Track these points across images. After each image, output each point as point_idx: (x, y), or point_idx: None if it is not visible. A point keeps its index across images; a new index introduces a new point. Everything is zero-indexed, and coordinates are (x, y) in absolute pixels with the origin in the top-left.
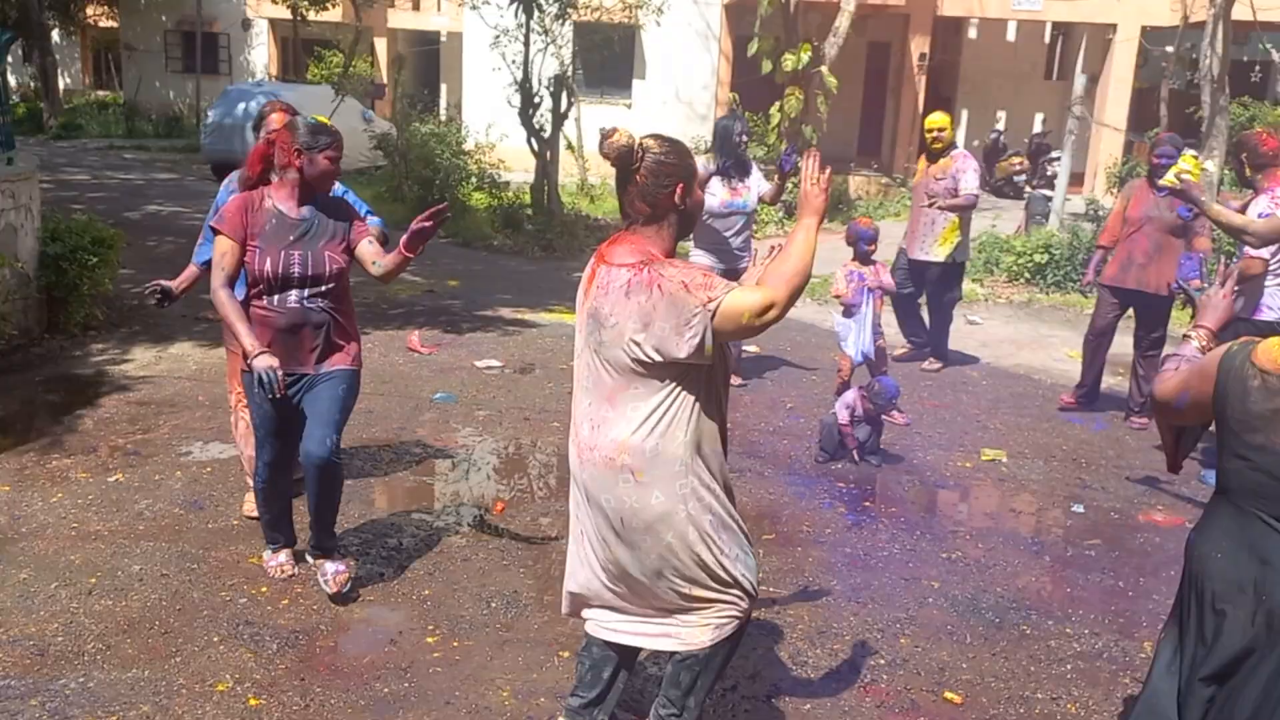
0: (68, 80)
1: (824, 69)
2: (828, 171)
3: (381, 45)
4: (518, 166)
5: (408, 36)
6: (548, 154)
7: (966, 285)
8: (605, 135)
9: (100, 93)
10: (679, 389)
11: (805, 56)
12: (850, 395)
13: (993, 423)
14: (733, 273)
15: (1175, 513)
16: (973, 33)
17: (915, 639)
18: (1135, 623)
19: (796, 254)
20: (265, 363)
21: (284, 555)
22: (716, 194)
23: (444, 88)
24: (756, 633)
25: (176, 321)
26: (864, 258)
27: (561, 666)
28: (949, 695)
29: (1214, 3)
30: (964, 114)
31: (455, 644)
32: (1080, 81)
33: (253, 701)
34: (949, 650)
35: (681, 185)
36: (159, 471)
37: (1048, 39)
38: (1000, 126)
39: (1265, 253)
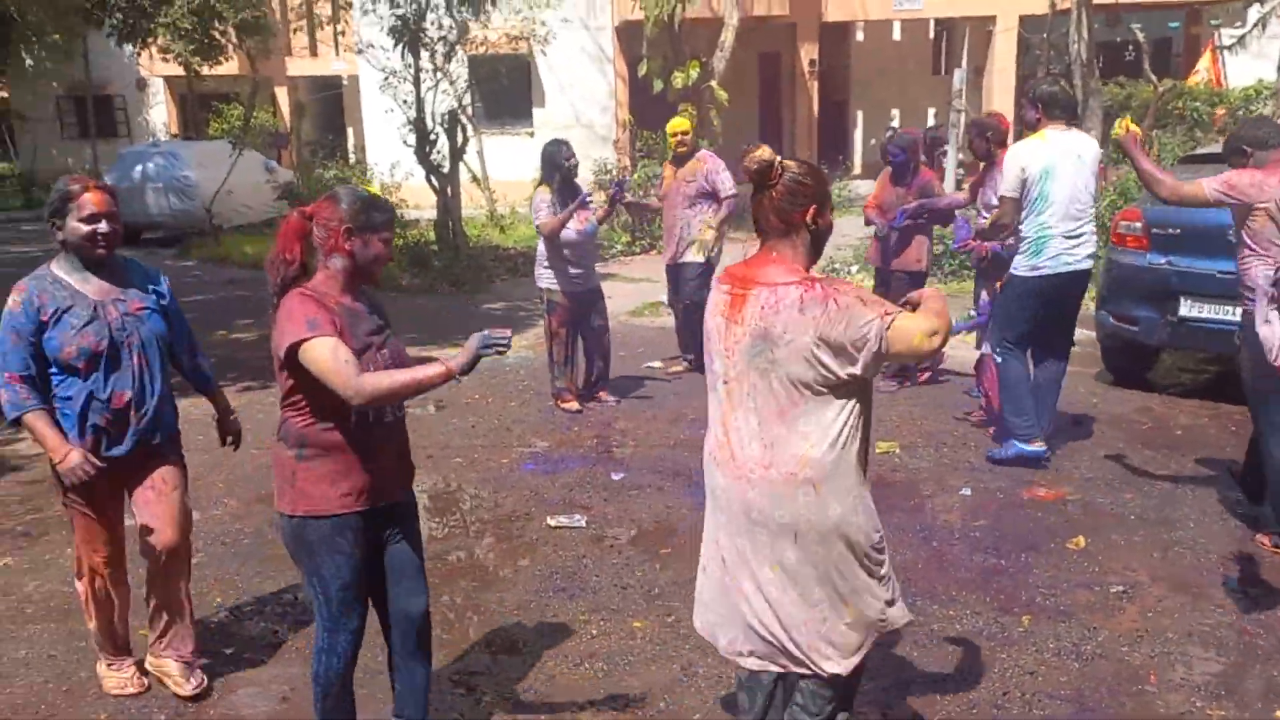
0: None
1: (714, 84)
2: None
3: (283, 94)
4: (425, 204)
5: (309, 83)
6: (448, 190)
7: (859, 276)
8: (746, 151)
9: None
10: (853, 403)
11: (694, 73)
12: None
13: (889, 415)
14: (585, 294)
15: (1057, 487)
16: (859, 35)
17: None
18: (1014, 599)
19: (943, 300)
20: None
21: None
22: (570, 224)
23: (350, 131)
24: (647, 645)
25: None
26: None
27: (455, 701)
28: None
29: None
30: (859, 114)
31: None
32: (959, 75)
33: None
34: None
35: (815, 207)
36: (50, 551)
37: (932, 35)
38: (895, 124)
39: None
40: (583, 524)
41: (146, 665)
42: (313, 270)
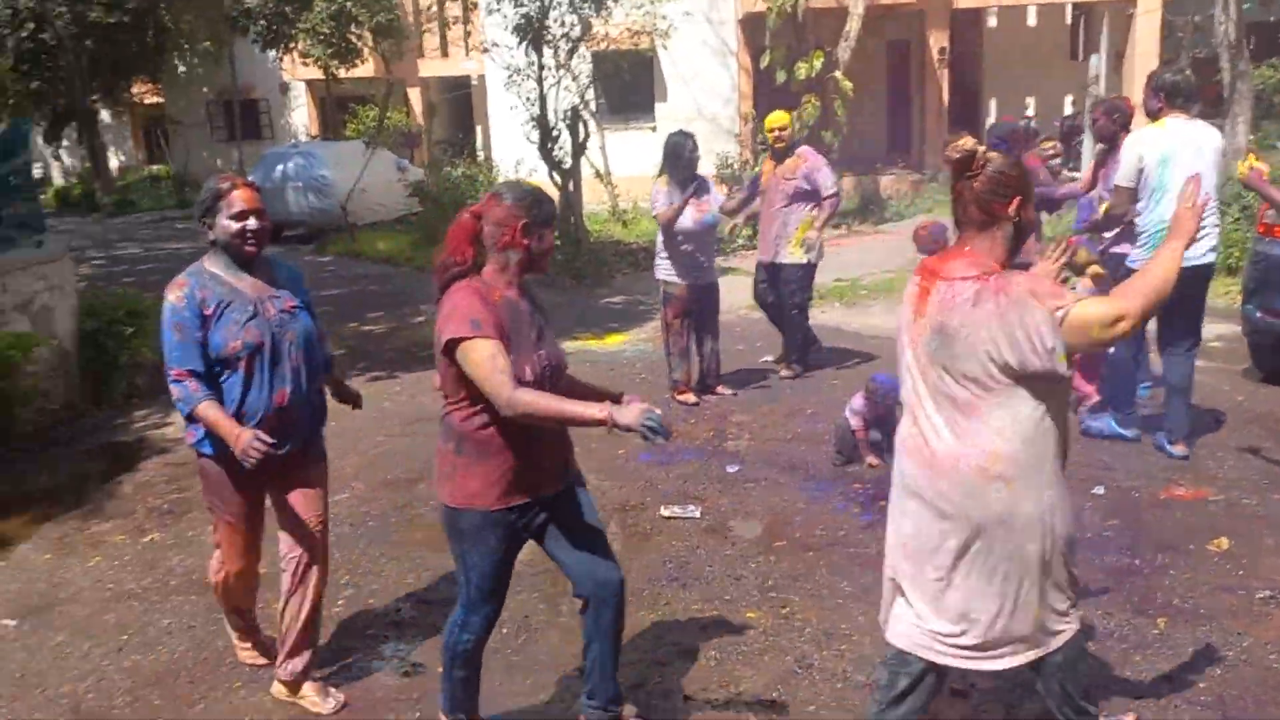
0: (121, 157)
1: (838, 74)
2: (1204, 198)
3: (415, 94)
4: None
5: (440, 83)
6: (570, 185)
7: None
8: (950, 141)
9: (152, 167)
10: (1039, 400)
11: (818, 64)
12: (858, 400)
13: None
14: (703, 287)
15: (1198, 486)
16: (992, 21)
17: None
18: (1150, 600)
19: (1160, 273)
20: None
21: None
22: (687, 214)
23: (478, 130)
24: (761, 638)
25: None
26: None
27: (568, 686)
28: (954, 687)
29: None
30: (992, 103)
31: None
32: (1096, 61)
33: None
34: None
35: (1019, 199)
36: (192, 528)
37: (1069, 20)
38: (1030, 112)
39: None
40: (697, 515)
41: (274, 691)
42: (481, 265)
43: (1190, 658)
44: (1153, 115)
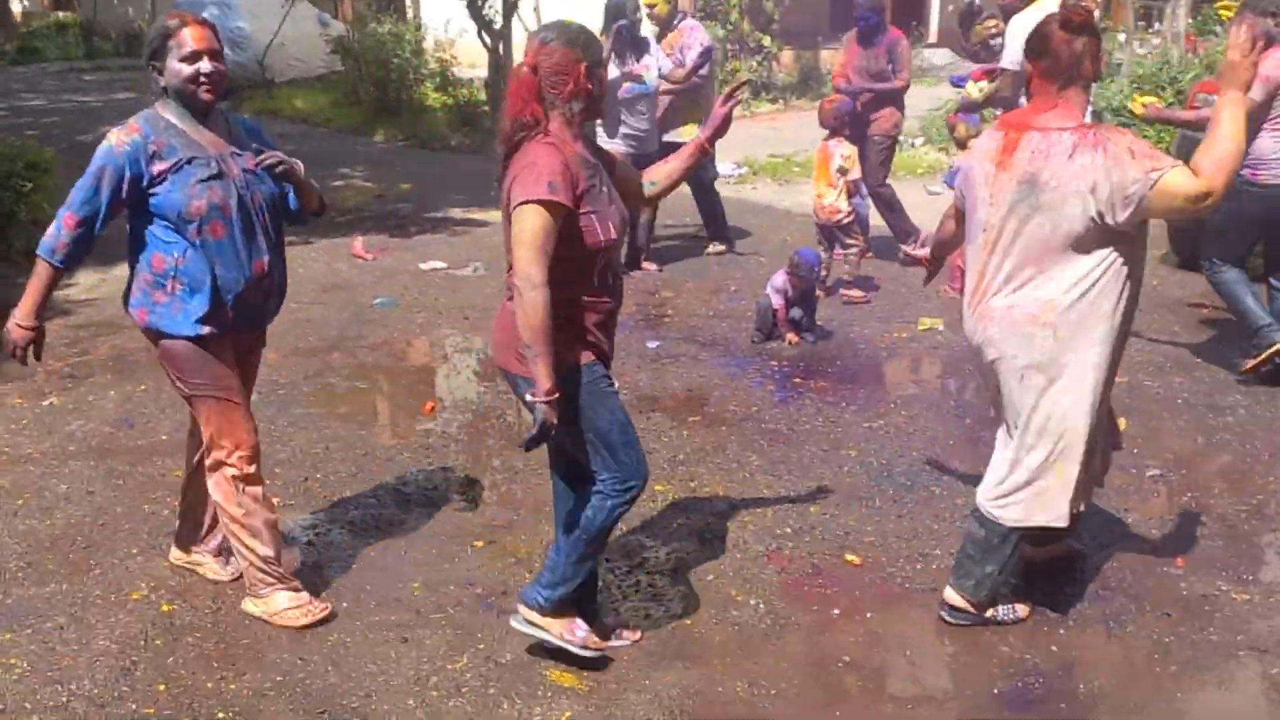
0: (25, 3)
1: None
2: (1257, 42)
3: None
4: (480, 62)
5: None
6: (500, 46)
7: (933, 154)
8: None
9: (59, 14)
10: (1113, 256)
11: None
12: (779, 277)
13: (936, 291)
14: (644, 157)
15: None
16: None
17: (825, 506)
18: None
19: (1229, 135)
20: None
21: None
22: (613, 75)
23: None
24: (668, 509)
25: (122, 242)
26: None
27: (474, 556)
28: (849, 557)
29: None
30: None
31: (368, 541)
32: None
33: (165, 607)
34: (856, 515)
35: (1100, 56)
36: (93, 392)
37: None
38: None
39: None
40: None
41: (172, 558)
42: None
43: (1076, 534)
44: None
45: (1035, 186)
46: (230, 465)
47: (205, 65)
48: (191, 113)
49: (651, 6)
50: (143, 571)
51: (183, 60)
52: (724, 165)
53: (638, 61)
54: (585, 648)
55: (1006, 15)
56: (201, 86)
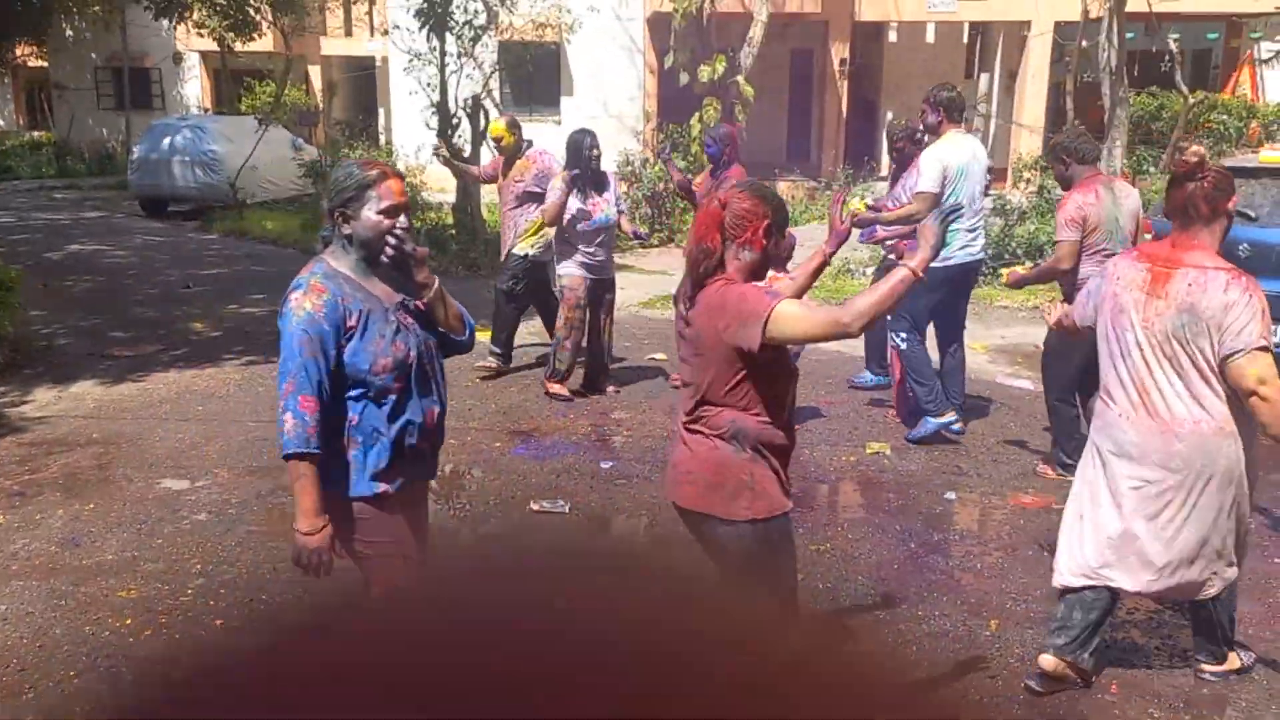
0: (1, 122)
1: (740, 79)
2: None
3: (316, 72)
4: (449, 187)
5: (342, 63)
6: None
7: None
8: (1184, 147)
9: (35, 133)
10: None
11: (721, 68)
12: None
13: (883, 415)
14: (602, 284)
15: (1044, 495)
16: (893, 36)
17: None
18: (985, 603)
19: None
20: None
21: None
22: (580, 210)
23: (381, 112)
24: None
25: (82, 360)
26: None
27: None
28: None
29: None
30: (888, 115)
31: None
32: (985, 80)
33: None
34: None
35: (1237, 197)
36: (41, 510)
37: (966, 39)
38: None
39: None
40: (565, 510)
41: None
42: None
43: (1016, 659)
44: (932, 129)
45: (1195, 314)
46: None
47: (403, 220)
48: (367, 263)
49: (499, 139)
50: (79, 696)
51: (381, 213)
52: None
53: (600, 196)
54: None
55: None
56: (395, 241)
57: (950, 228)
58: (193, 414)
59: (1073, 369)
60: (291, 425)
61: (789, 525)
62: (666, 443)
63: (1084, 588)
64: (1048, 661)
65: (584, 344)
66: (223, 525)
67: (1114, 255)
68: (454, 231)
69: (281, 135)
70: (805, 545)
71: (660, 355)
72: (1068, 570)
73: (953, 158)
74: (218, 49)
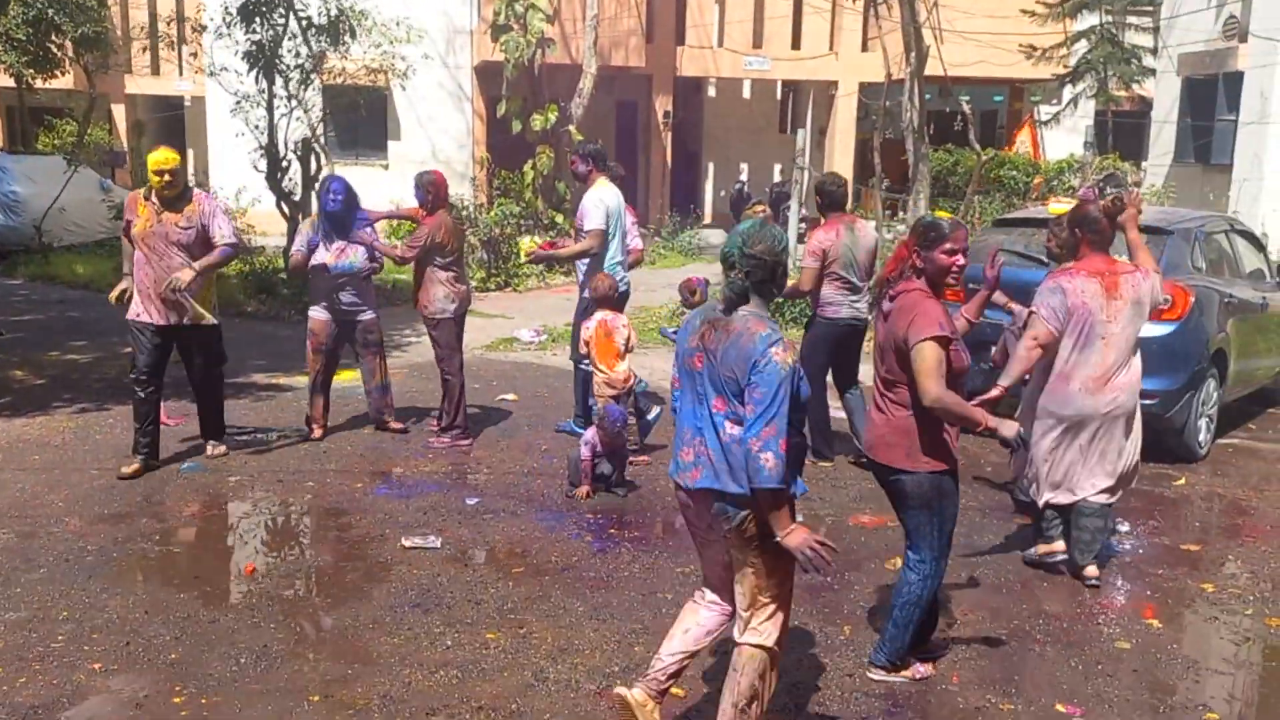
0: None
1: (572, 128)
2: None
3: (120, 111)
4: (273, 231)
5: (148, 102)
6: (299, 217)
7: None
8: (1100, 190)
9: None
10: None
11: (552, 117)
12: (590, 433)
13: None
14: (349, 325)
15: (880, 515)
16: (712, 91)
17: (649, 646)
18: (838, 611)
19: None
20: None
21: None
22: (322, 259)
23: (191, 153)
24: (501, 656)
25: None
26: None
27: (310, 711)
28: (675, 690)
29: (909, 62)
30: (710, 166)
31: (204, 701)
32: (801, 135)
33: None
34: None
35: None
36: None
37: (779, 96)
38: (744, 177)
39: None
40: (438, 545)
41: None
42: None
43: (869, 658)
44: (582, 177)
45: (1138, 305)
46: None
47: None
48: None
49: (170, 171)
50: None
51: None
52: (525, 332)
53: (347, 244)
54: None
55: (774, 203)
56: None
57: (610, 261)
58: (29, 464)
59: (820, 369)
60: (774, 464)
61: (956, 479)
62: (527, 479)
63: (1068, 504)
64: (1092, 570)
65: (320, 382)
66: (84, 572)
67: (851, 282)
68: (284, 275)
69: (90, 176)
70: (672, 567)
71: (511, 396)
72: (1048, 492)
73: (610, 200)
74: (13, 86)
